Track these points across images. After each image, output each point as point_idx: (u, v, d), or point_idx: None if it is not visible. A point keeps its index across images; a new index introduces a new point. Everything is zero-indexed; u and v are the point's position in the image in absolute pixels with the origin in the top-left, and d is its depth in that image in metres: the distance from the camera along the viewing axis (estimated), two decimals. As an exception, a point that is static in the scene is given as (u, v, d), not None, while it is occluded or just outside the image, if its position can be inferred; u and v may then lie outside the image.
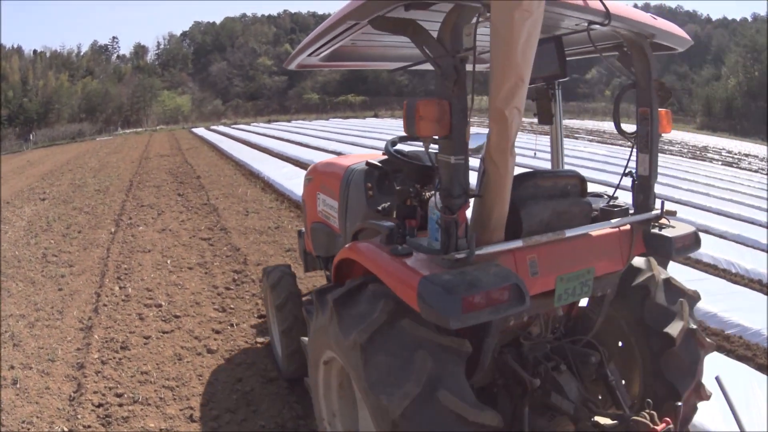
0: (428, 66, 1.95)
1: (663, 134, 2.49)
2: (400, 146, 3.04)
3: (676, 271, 5.69)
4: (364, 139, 21.86)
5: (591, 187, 2.56)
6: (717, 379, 2.46)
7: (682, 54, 2.68)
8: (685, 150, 23.21)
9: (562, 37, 2.51)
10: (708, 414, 3.01)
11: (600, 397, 2.52)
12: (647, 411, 2.07)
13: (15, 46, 63.00)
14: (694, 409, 2.48)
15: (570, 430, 2.20)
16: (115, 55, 75.98)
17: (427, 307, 1.72)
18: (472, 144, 2.13)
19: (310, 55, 2.74)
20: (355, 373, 1.97)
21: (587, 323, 2.55)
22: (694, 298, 2.58)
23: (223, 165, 15.96)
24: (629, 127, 2.47)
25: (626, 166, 2.44)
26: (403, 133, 1.96)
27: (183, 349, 4.27)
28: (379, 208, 2.53)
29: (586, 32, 2.15)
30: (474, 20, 1.79)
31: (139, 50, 76.45)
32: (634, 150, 2.44)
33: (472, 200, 1.93)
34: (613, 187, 2.51)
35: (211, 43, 76.28)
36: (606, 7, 1.93)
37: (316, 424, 2.73)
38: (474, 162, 1.87)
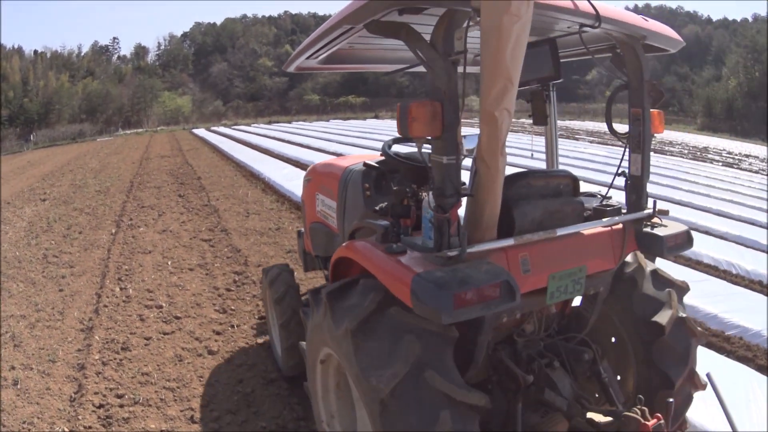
0: (422, 68, 1.99)
1: (656, 134, 2.52)
2: (398, 147, 3.07)
3: (677, 272, 5.69)
4: (365, 140, 21.87)
5: (591, 188, 2.58)
6: (708, 375, 2.48)
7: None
8: (686, 151, 23.18)
9: (556, 39, 2.56)
10: (707, 414, 3.01)
11: (597, 395, 2.55)
12: (639, 407, 2.10)
13: (16, 46, 63.35)
14: (689, 398, 2.51)
15: (563, 427, 2.22)
16: (116, 56, 76.27)
17: (420, 303, 1.76)
18: (469, 145, 2.16)
19: (308, 57, 2.79)
20: (348, 362, 2.03)
21: (581, 321, 2.59)
22: (682, 288, 2.63)
23: (224, 166, 15.97)
24: (625, 128, 2.50)
25: (619, 166, 2.49)
26: None
27: (184, 350, 4.27)
28: (377, 208, 2.58)
29: (578, 35, 2.19)
30: (465, 24, 1.83)
31: (140, 51, 76.62)
32: (627, 150, 2.48)
33: (465, 199, 1.98)
34: (617, 188, 2.54)
35: (211, 43, 76.40)
36: (596, 10, 1.98)
37: (316, 425, 2.74)
38: (469, 162, 1.88)
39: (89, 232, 8.48)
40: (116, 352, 4.23)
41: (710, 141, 30.48)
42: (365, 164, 3.19)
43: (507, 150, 1.90)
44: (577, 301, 2.60)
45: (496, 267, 1.88)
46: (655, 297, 2.51)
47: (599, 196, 2.61)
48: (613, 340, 2.69)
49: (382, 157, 3.00)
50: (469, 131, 2.03)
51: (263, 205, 9.90)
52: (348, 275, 2.36)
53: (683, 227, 2.46)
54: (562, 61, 2.73)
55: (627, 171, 2.48)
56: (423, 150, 2.03)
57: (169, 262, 6.58)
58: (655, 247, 2.37)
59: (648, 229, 2.41)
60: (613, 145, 21.57)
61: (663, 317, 2.42)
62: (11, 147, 38.72)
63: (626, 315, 2.56)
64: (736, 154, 23.38)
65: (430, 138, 1.91)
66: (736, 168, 18.51)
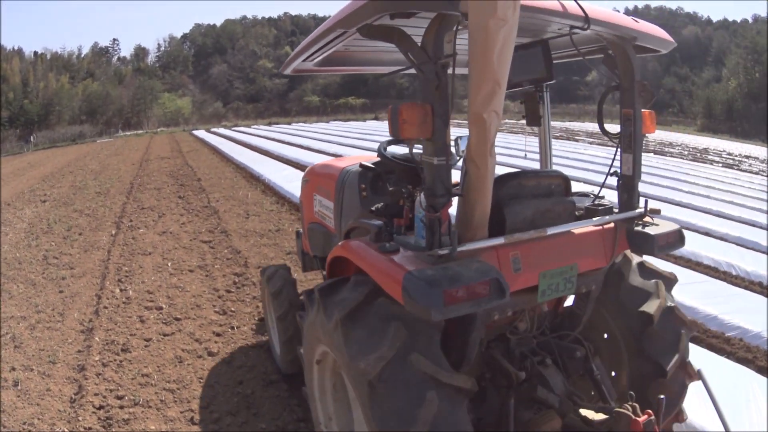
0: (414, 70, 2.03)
1: (648, 134, 2.56)
2: (395, 149, 3.11)
3: (677, 272, 5.68)
4: (365, 141, 21.88)
5: (590, 189, 2.59)
6: (699, 372, 2.50)
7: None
8: (686, 152, 23.20)
9: (549, 41, 2.60)
10: (706, 415, 3.01)
11: (592, 393, 2.57)
12: (630, 403, 2.12)
13: (16, 47, 63.41)
14: (684, 388, 2.53)
15: (556, 423, 2.25)
16: (116, 57, 76.31)
17: (411, 299, 1.78)
18: (465, 146, 2.18)
19: (304, 60, 2.85)
20: (339, 352, 2.09)
21: (574, 320, 2.62)
22: (670, 279, 2.67)
23: (224, 167, 15.99)
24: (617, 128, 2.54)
25: (611, 166, 2.52)
26: None
27: (184, 351, 4.27)
28: (373, 208, 2.63)
29: (569, 36, 2.24)
30: (454, 28, 1.87)
31: (140, 52, 76.66)
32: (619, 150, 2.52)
33: (456, 199, 2.01)
34: (611, 188, 2.56)
35: (211, 45, 76.44)
36: (585, 12, 2.02)
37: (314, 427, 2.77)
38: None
39: (89, 234, 8.49)
40: (116, 354, 4.23)
41: (710, 142, 30.52)
42: (361, 165, 3.25)
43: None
44: (570, 301, 2.65)
45: (485, 265, 1.90)
46: (643, 288, 2.55)
47: (592, 196, 2.65)
48: (605, 336, 2.72)
49: (379, 159, 3.04)
50: (465, 133, 2.05)
51: (263, 206, 9.91)
52: (344, 274, 2.41)
53: (675, 226, 2.49)
54: (555, 62, 2.78)
55: (619, 171, 2.51)
56: (414, 151, 2.06)
57: (169, 264, 6.59)
58: (646, 245, 2.40)
59: (639, 228, 2.44)
60: (613, 146, 21.56)
61: (651, 307, 2.46)
62: (11, 148, 38.74)
63: (615, 307, 2.60)
64: (736, 155, 23.40)
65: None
66: (736, 169, 18.52)
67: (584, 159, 16.33)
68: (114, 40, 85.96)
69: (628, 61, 2.37)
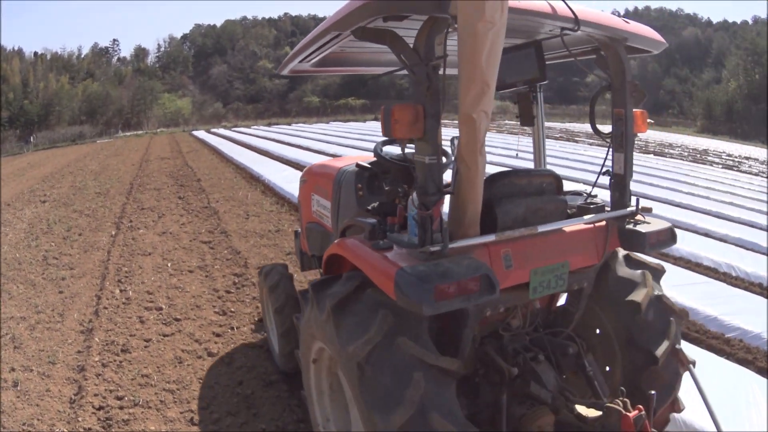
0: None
1: (640, 134, 2.59)
2: (391, 149, 3.15)
3: (677, 273, 5.70)
4: (364, 142, 21.86)
5: (586, 189, 2.61)
6: (693, 362, 2.51)
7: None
8: (686, 153, 23.21)
9: (542, 42, 2.64)
10: (702, 414, 3.00)
11: (585, 389, 2.58)
12: (621, 399, 2.13)
13: (16, 48, 63.36)
14: (677, 376, 2.53)
15: (549, 419, 2.27)
16: (116, 58, 76.31)
17: (403, 295, 1.83)
18: None
19: (301, 61, 2.90)
20: (331, 343, 2.16)
21: (566, 317, 2.66)
22: (657, 269, 2.69)
23: (224, 168, 15.99)
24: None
25: (603, 165, 2.56)
26: None
27: (183, 352, 4.27)
28: (369, 207, 2.66)
29: (560, 37, 2.28)
30: (445, 30, 1.91)
31: (140, 53, 76.64)
32: (611, 149, 2.55)
33: (448, 197, 2.06)
34: (603, 187, 2.60)
35: (211, 45, 76.44)
36: (575, 13, 2.07)
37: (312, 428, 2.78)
38: None
39: (89, 234, 8.49)
40: (116, 354, 4.23)
41: (710, 143, 30.52)
42: (358, 165, 3.30)
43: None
44: (564, 299, 2.68)
45: (476, 261, 1.94)
46: (630, 278, 2.58)
47: (584, 195, 2.68)
48: (597, 332, 2.73)
49: (375, 159, 3.08)
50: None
51: (263, 207, 9.91)
52: (340, 272, 2.44)
53: (666, 224, 2.51)
54: (550, 63, 2.82)
55: (611, 170, 2.55)
56: (406, 150, 2.10)
57: (169, 264, 6.59)
58: (637, 243, 2.43)
59: (631, 226, 2.47)
60: (612, 147, 21.56)
61: (638, 295, 2.49)
62: (11, 149, 38.72)
63: (604, 299, 2.62)
64: (736, 157, 23.42)
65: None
66: (736, 170, 18.53)
67: (583, 160, 16.31)
68: (114, 40, 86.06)
69: (619, 62, 2.40)
